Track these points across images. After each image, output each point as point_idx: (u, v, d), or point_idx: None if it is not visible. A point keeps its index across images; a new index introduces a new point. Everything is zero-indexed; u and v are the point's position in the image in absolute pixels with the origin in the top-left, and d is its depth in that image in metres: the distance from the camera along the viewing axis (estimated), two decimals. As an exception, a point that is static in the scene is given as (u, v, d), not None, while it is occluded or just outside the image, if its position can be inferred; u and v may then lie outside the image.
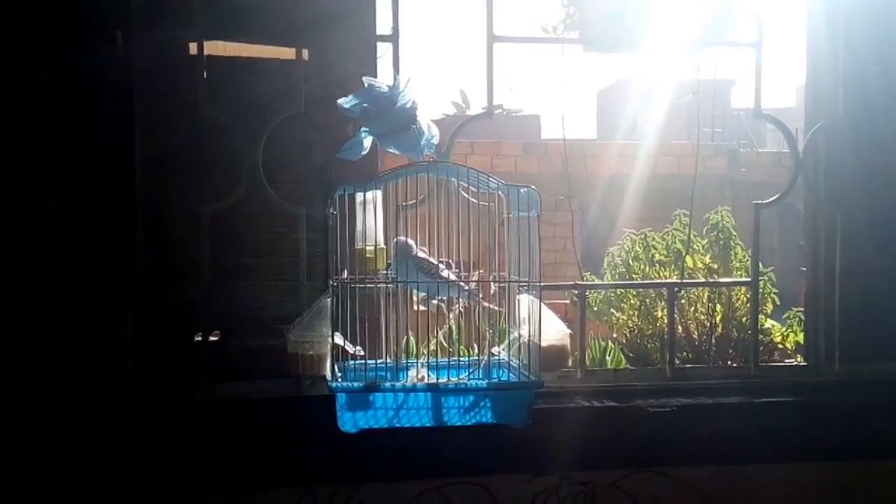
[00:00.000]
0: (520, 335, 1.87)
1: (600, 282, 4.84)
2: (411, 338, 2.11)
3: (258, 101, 2.09)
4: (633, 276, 4.69)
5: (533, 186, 1.83)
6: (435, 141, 1.90)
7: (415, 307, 1.92)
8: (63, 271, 1.90)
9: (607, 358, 3.97)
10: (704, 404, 2.15)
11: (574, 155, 9.33)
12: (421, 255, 1.87)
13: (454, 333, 1.95)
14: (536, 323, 1.79)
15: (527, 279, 1.83)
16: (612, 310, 4.68)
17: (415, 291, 1.89)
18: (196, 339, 2.04)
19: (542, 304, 1.81)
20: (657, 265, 4.65)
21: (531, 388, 1.81)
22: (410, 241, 1.87)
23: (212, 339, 2.05)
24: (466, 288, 1.86)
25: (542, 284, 1.81)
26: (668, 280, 4.27)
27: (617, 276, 4.78)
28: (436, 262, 1.86)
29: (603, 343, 4.09)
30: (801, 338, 4.22)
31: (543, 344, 1.80)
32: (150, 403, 1.97)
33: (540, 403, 1.93)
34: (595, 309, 4.74)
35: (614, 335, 4.63)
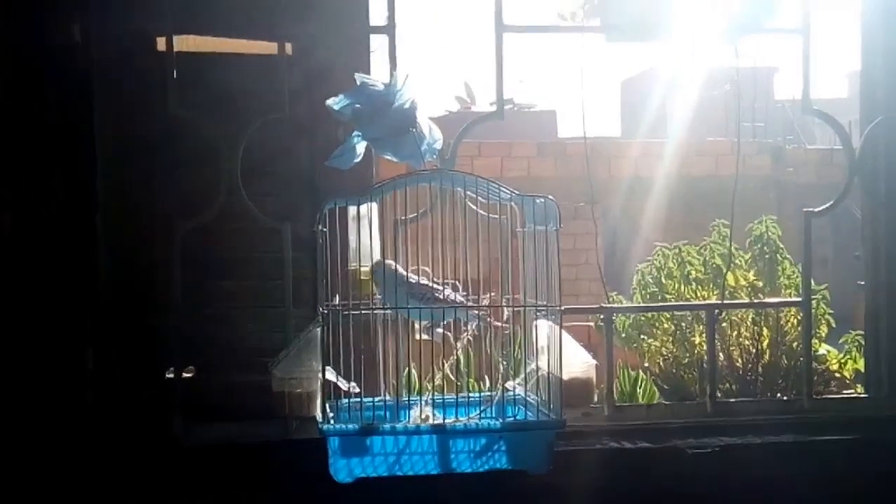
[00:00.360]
0: (538, 367, 1.88)
1: (629, 303, 4.84)
2: (413, 371, 2.12)
3: (235, 102, 2.11)
4: (667, 296, 4.68)
5: (550, 196, 1.84)
6: (438, 145, 1.92)
7: (417, 336, 1.93)
8: (12, 294, 1.91)
9: (638, 391, 3.97)
10: (751, 444, 2.15)
11: (595, 155, 9.34)
12: (412, 278, 1.86)
13: (462, 365, 1.96)
14: (557, 353, 1.80)
15: (545, 303, 1.85)
16: (642, 336, 4.67)
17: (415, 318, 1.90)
18: (168, 375, 2.05)
19: (562, 330, 1.82)
20: (694, 283, 4.65)
21: (552, 428, 1.82)
22: (390, 262, 1.87)
23: (185, 375, 2.06)
24: (477, 314, 1.87)
25: (562, 308, 1.82)
26: (707, 301, 4.27)
27: (647, 297, 4.77)
28: (429, 284, 1.87)
29: (633, 374, 4.08)
30: (860, 365, 4.21)
31: (565, 377, 1.82)
32: (116, 446, 1.98)
33: (562, 445, 1.94)
34: (623, 335, 4.73)
35: (646, 364, 4.62)
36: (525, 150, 9.83)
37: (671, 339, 4.57)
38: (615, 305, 3.78)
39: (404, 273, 1.87)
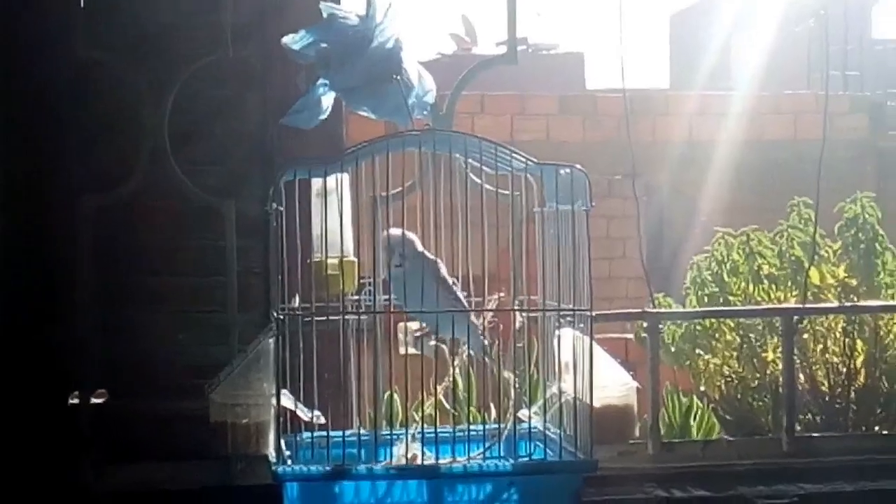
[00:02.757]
0: (560, 391, 1.90)
1: (679, 308, 4.86)
2: (396, 396, 2.13)
3: (162, 41, 2.12)
4: (731, 298, 4.70)
5: (578, 165, 1.85)
6: (429, 98, 1.93)
7: (401, 349, 1.94)
8: None
9: (692, 423, 3.99)
10: (841, 492, 2.17)
11: (637, 112, 9.36)
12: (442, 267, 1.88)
13: (461, 388, 1.97)
14: (586, 372, 1.81)
15: (570, 306, 1.86)
16: (697, 350, 4.68)
17: (402, 326, 1.91)
18: (72, 400, 2.06)
19: (593, 342, 1.83)
20: (766, 282, 4.66)
21: (579, 471, 1.83)
22: (412, 236, 1.87)
23: (96, 400, 2.07)
24: (481, 320, 1.88)
25: (593, 313, 1.83)
26: (784, 305, 4.29)
27: (705, 299, 4.78)
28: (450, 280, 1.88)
29: (685, 400, 4.11)
30: None
31: (596, 403, 1.82)
32: (7, 495, 1.99)
33: (592, 494, 1.95)
34: (671, 349, 4.75)
35: (702, 388, 4.63)
36: (543, 106, 9.82)
37: (736, 354, 4.59)
38: (662, 310, 3.79)
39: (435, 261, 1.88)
